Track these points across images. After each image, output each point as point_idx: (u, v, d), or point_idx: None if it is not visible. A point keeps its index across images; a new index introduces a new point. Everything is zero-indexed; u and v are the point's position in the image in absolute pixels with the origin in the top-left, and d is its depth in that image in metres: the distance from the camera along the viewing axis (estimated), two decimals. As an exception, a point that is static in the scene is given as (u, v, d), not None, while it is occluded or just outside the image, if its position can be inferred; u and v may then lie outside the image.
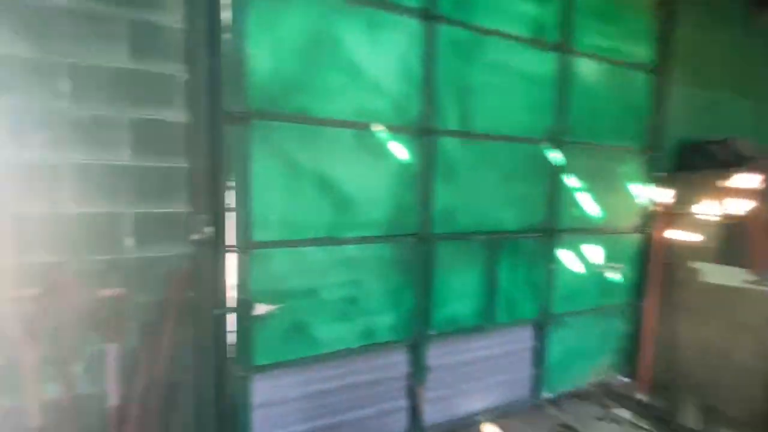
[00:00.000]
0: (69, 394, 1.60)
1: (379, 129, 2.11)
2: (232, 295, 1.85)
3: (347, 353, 2.13)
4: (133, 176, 1.70)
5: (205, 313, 1.81)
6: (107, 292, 1.65)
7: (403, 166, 2.20)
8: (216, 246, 1.80)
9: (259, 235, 1.88)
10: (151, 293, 1.72)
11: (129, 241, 1.69)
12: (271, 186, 1.89)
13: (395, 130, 2.16)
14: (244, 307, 1.85)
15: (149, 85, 1.70)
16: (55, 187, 1.58)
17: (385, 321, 2.23)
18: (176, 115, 1.76)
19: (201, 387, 1.83)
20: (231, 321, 1.86)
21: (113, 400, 1.66)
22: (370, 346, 2.19)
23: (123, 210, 1.69)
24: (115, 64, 1.64)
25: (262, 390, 1.95)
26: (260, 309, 1.87)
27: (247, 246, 1.85)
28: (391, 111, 2.15)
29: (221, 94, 1.77)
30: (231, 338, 1.87)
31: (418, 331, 2.31)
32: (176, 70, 1.74)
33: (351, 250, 2.10)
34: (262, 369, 1.93)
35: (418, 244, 2.27)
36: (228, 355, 1.86)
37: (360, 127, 2.07)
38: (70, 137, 1.59)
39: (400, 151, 2.19)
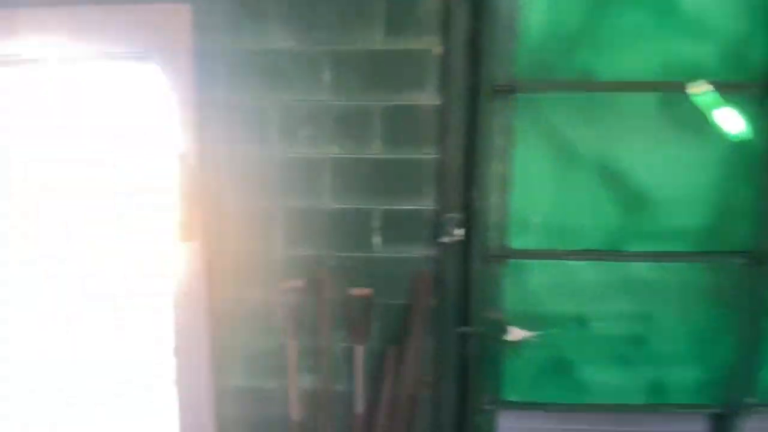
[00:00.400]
0: (322, 388, 1.59)
1: (697, 90, 1.40)
2: (481, 312, 1.53)
3: (622, 409, 1.55)
4: (381, 170, 1.53)
5: (450, 328, 1.55)
6: (357, 291, 1.56)
7: (733, 146, 1.43)
8: (466, 251, 1.51)
9: (516, 242, 1.49)
10: (395, 297, 1.56)
11: (376, 239, 1.56)
12: (535, 178, 1.45)
13: (724, 89, 1.39)
14: (495, 329, 1.51)
15: (401, 65, 1.48)
16: (316, 182, 1.55)
17: (683, 375, 1.55)
18: (427, 96, 1.50)
19: (441, 411, 1.60)
20: (478, 342, 1.55)
21: (360, 403, 1.58)
22: (657, 405, 1.56)
23: (371, 206, 1.56)
24: (370, 46, 1.48)
25: (508, 430, 1.59)
26: (515, 334, 1.49)
27: (502, 254, 1.48)
28: (718, 61, 1.40)
29: (483, 65, 1.42)
30: (477, 362, 1.56)
31: (733, 397, 1.54)
32: (430, 43, 1.48)
33: (640, 269, 1.49)
34: (510, 405, 1.56)
35: (750, 267, 1.47)
36: (473, 382, 1.56)
37: (667, 88, 1.41)
38: (329, 130, 1.53)
39: (730, 121, 1.41)
